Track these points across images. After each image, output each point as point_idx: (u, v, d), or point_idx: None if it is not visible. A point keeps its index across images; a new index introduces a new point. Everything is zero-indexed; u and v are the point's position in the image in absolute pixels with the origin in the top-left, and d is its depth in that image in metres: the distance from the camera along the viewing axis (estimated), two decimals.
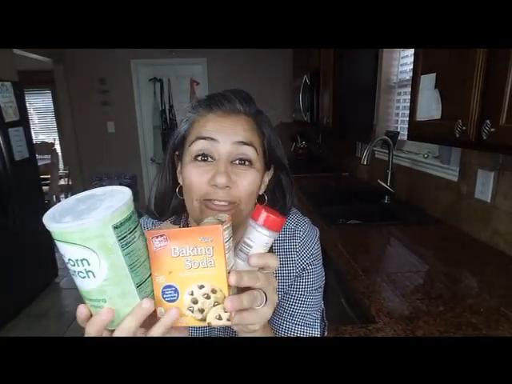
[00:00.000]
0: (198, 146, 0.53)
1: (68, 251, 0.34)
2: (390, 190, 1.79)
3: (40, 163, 3.00)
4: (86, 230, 0.32)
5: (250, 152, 0.54)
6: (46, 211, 0.36)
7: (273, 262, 0.42)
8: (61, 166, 5.44)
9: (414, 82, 1.19)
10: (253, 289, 0.40)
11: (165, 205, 0.62)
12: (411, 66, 1.26)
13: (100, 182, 3.75)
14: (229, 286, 0.38)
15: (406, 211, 1.70)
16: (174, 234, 0.37)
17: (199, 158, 0.53)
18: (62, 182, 4.81)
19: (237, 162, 0.53)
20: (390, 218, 1.69)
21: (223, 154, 0.52)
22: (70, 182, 4.15)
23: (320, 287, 0.66)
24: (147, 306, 0.37)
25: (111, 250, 0.34)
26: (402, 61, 2.01)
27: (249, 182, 0.54)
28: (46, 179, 4.10)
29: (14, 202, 2.35)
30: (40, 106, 6.02)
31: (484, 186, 1.28)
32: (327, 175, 2.65)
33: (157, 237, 0.37)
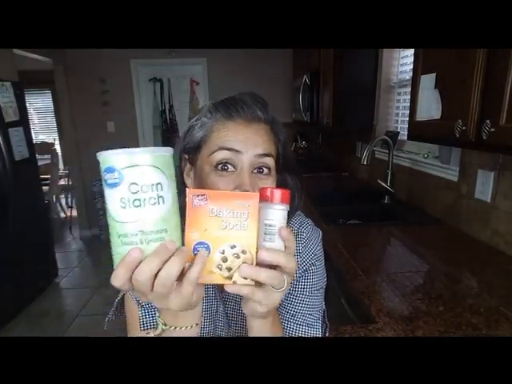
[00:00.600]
0: (221, 156, 0.53)
1: (146, 176, 0.35)
2: (390, 190, 1.79)
3: (40, 163, 3.00)
4: (167, 156, 0.37)
5: (269, 162, 0.55)
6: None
7: (293, 239, 0.43)
8: (61, 166, 5.43)
9: (414, 82, 1.18)
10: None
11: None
12: (411, 66, 1.26)
13: (100, 182, 3.71)
14: (258, 248, 0.40)
15: (406, 211, 1.69)
16: (214, 195, 0.40)
17: (220, 167, 0.53)
18: (62, 181, 4.81)
19: (255, 170, 0.54)
20: (390, 218, 1.69)
21: (246, 164, 0.53)
22: (70, 182, 4.15)
23: (321, 288, 0.66)
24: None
25: (173, 178, 0.38)
26: (402, 61, 2.01)
27: None
28: (46, 179, 4.10)
29: (13, 202, 2.35)
30: (40, 106, 6.02)
31: (484, 186, 1.28)
32: (327, 175, 2.65)
33: (197, 195, 0.39)
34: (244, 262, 0.40)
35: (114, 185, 0.35)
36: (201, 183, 0.56)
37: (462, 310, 0.86)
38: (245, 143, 0.53)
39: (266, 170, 0.55)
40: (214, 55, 3.71)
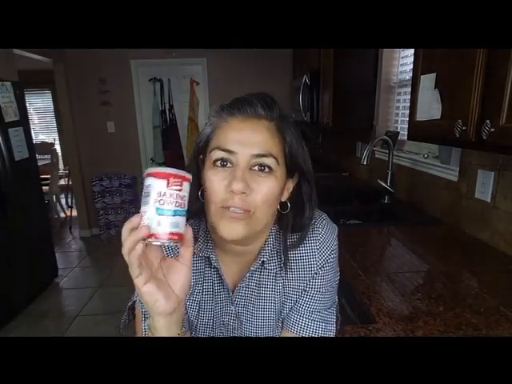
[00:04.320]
0: (217, 155, 0.54)
1: None
2: (390, 190, 1.79)
3: (40, 163, 3.00)
4: None
5: (269, 162, 0.54)
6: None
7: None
8: (61, 165, 5.43)
9: (414, 82, 1.18)
10: None
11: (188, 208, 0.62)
12: (411, 66, 1.26)
13: (100, 182, 3.74)
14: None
15: (406, 211, 1.69)
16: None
17: (218, 164, 0.54)
18: (62, 181, 4.81)
19: (256, 168, 0.54)
20: (390, 218, 1.69)
21: (241, 162, 0.53)
22: (70, 182, 4.15)
23: (336, 282, 0.67)
24: None
25: None
26: (402, 61, 2.01)
27: (267, 189, 0.53)
28: (46, 179, 4.10)
29: (13, 202, 2.35)
30: (40, 106, 6.02)
31: (484, 186, 1.28)
32: (327, 175, 2.64)
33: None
34: None
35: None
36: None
37: (462, 309, 0.86)
38: (241, 143, 0.53)
39: (266, 169, 0.54)
40: (214, 55, 3.71)
